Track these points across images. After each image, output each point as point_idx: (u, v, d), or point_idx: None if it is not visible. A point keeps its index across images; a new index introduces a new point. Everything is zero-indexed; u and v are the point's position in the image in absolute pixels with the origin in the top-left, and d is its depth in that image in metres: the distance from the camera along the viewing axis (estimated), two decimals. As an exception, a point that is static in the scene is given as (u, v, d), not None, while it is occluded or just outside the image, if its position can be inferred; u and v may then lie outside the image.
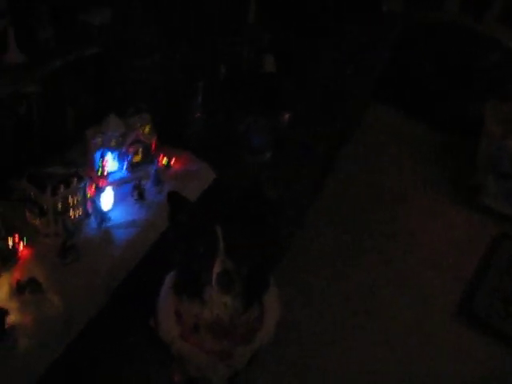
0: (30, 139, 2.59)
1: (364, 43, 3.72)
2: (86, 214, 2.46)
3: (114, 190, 2.54)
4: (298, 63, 3.25)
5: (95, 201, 2.45)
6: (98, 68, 2.66)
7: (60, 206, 2.34)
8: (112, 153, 2.60)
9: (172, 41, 2.72)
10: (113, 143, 2.58)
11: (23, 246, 2.29)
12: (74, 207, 2.39)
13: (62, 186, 2.30)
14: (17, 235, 2.27)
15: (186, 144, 2.85)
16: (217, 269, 1.80)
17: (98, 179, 2.61)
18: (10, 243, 2.24)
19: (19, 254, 2.27)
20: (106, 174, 2.62)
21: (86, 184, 2.40)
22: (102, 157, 2.59)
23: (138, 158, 2.70)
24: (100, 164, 2.60)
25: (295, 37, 3.28)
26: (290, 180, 2.98)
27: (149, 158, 2.72)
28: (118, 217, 2.51)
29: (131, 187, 2.59)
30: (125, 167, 2.66)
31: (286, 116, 2.98)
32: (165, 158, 2.77)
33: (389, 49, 4.33)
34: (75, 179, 2.34)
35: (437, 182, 4.13)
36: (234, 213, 1.94)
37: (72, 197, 2.36)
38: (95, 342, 2.27)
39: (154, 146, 2.73)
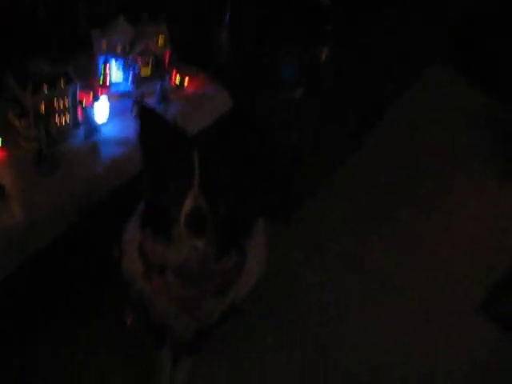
0: (34, 32, 2.29)
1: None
2: (75, 123, 2.19)
3: (112, 101, 2.25)
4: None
5: (87, 110, 2.16)
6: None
7: (43, 108, 2.06)
8: (116, 60, 2.30)
9: None
10: (118, 49, 2.27)
11: (-1, 146, 2.04)
12: (61, 112, 2.11)
13: (45, 86, 2.00)
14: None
15: (205, 65, 2.50)
16: (188, 206, 1.50)
17: (98, 88, 2.31)
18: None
19: (-13, 157, 2.02)
20: (107, 83, 2.32)
21: (76, 88, 2.10)
22: (106, 63, 2.29)
23: (146, 71, 2.39)
24: (102, 71, 2.30)
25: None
26: (319, 125, 2.61)
27: (159, 72, 2.40)
28: (111, 132, 2.23)
29: (132, 102, 2.28)
30: (130, 79, 2.35)
31: (325, 52, 2.58)
32: (178, 76, 2.44)
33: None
34: (62, 80, 2.04)
35: (485, 159, 3.66)
36: (216, 141, 1.62)
37: (58, 100, 2.08)
38: (54, 264, 2.02)
39: (167, 60, 2.41)
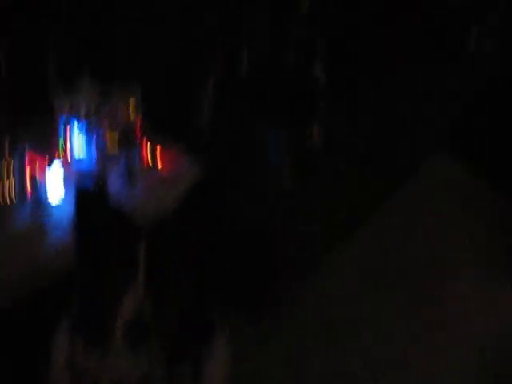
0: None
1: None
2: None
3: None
4: (355, 77, 2.56)
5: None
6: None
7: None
8: (79, 123, 2.00)
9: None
10: (82, 111, 1.97)
11: None
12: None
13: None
14: None
15: (180, 139, 2.21)
16: (128, 309, 1.16)
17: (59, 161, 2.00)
18: None
19: None
20: (68, 158, 2.01)
21: (24, 155, 1.79)
22: (67, 126, 1.99)
23: (113, 143, 2.08)
24: (62, 135, 2.00)
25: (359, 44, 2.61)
26: (307, 215, 2.30)
27: (127, 150, 2.10)
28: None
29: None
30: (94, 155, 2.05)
31: (318, 133, 2.30)
32: (149, 151, 2.14)
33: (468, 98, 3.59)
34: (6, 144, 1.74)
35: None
36: (170, 227, 1.29)
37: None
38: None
39: (137, 129, 2.11)
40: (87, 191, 1.30)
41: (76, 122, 2.00)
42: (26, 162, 1.83)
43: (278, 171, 2.35)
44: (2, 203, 1.81)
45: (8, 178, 1.79)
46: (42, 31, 2.03)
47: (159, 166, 2.14)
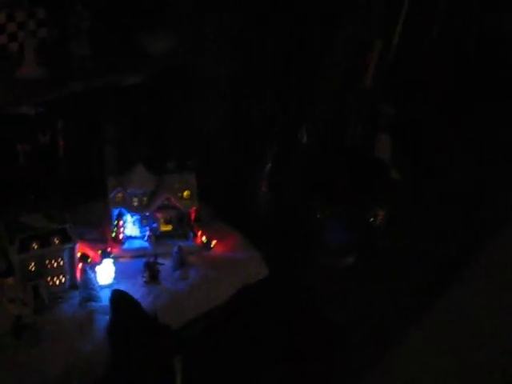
0: (51, 174, 2.10)
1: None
2: (72, 285, 1.87)
3: (123, 260, 1.96)
4: (422, 154, 2.45)
5: (87, 271, 1.85)
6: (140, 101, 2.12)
7: (33, 268, 1.77)
8: (132, 215, 2.01)
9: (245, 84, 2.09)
10: (135, 203, 1.99)
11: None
12: (55, 273, 1.82)
13: (35, 243, 1.73)
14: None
15: (238, 223, 2.17)
16: None
17: (110, 242, 2.03)
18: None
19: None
20: (121, 237, 2.03)
21: (74, 247, 1.82)
22: (120, 217, 2.01)
23: (167, 228, 2.08)
24: (116, 225, 2.02)
25: (425, 117, 2.51)
26: (370, 303, 2.17)
27: (182, 229, 2.09)
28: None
29: (143, 263, 1.96)
30: (146, 236, 2.05)
31: (381, 215, 2.19)
32: (204, 236, 2.11)
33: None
34: (56, 238, 1.76)
35: None
36: (207, 340, 1.24)
37: (51, 260, 1.79)
38: None
39: (192, 216, 2.09)
40: (122, 298, 1.26)
41: (129, 215, 2.01)
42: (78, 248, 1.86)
43: (340, 250, 2.26)
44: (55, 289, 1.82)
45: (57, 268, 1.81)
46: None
47: (214, 251, 2.11)
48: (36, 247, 1.74)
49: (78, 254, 1.95)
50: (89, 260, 1.96)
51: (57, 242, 1.77)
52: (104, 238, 2.05)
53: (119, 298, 1.24)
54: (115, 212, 2.00)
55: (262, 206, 2.24)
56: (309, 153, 2.15)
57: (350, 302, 2.14)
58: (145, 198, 1.99)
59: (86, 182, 2.15)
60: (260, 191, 2.21)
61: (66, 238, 1.79)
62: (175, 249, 1.98)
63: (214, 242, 2.12)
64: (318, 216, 2.15)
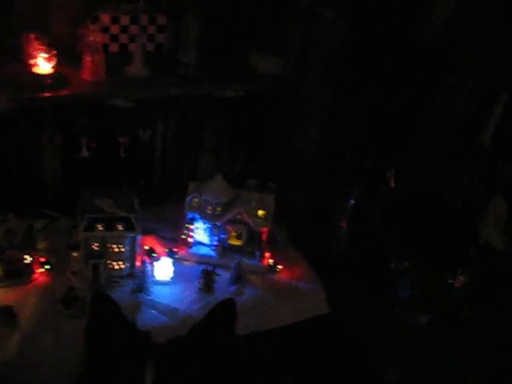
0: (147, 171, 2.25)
1: None
2: (129, 273, 1.96)
3: (187, 263, 2.02)
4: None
5: (146, 264, 1.94)
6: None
7: (97, 248, 1.89)
8: (204, 223, 2.07)
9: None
10: (208, 211, 2.04)
11: (43, 270, 1.91)
12: (115, 257, 1.92)
13: (100, 225, 1.86)
14: (41, 258, 1.92)
15: (311, 253, 2.13)
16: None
17: (179, 244, 2.10)
18: (28, 260, 1.89)
19: (32, 277, 1.90)
20: (190, 242, 2.09)
21: (135, 237, 1.91)
22: (192, 222, 2.07)
23: (235, 242, 2.10)
24: (187, 228, 2.09)
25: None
26: (431, 368, 1.98)
27: (250, 248, 2.10)
28: (166, 296, 1.94)
29: (201, 271, 2.00)
30: (214, 246, 2.09)
31: (463, 279, 2.00)
32: (271, 259, 2.10)
33: None
34: (120, 225, 1.87)
35: None
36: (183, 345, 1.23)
37: (114, 244, 1.90)
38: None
39: (264, 236, 2.09)
40: (102, 298, 1.29)
41: (201, 221, 2.07)
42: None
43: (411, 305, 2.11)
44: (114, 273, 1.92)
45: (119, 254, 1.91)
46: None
47: (278, 275, 2.09)
48: (100, 229, 1.85)
49: (146, 247, 2.06)
50: (154, 255, 2.04)
51: (120, 228, 1.87)
52: (175, 239, 2.12)
53: (100, 299, 1.27)
54: (189, 216, 2.07)
55: (338, 242, 2.17)
56: (395, 198, 2.05)
57: (408, 363, 1.98)
58: (219, 208, 2.03)
59: (176, 184, 2.25)
60: (339, 226, 2.14)
61: (130, 227, 1.89)
62: (233, 263, 1.99)
63: (279, 267, 2.09)
64: (393, 265, 2.03)
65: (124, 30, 2.04)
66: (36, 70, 1.87)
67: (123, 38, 2.05)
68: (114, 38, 2.04)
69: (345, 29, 1.91)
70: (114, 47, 2.05)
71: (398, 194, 2.05)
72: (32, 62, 1.86)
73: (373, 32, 1.91)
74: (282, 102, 2.19)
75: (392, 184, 2.03)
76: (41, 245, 2.01)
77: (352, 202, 2.09)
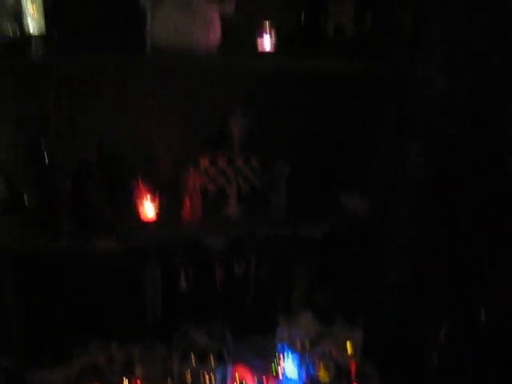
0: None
1: None
2: (220, 405, 2.02)
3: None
4: None
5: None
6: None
7: (189, 378, 1.98)
8: (293, 356, 2.11)
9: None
10: (297, 345, 2.09)
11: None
12: (207, 387, 2.00)
13: (192, 357, 1.95)
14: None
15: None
16: None
17: (269, 376, 2.14)
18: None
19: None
20: (279, 374, 2.13)
21: (227, 369, 1.98)
22: (282, 353, 2.12)
23: (324, 377, 2.12)
24: (276, 359, 2.13)
25: None
26: None
27: (339, 383, 2.10)
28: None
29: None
30: (303, 381, 2.11)
31: None
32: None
33: None
34: (212, 356, 1.96)
35: None
36: None
37: (206, 374, 1.98)
38: None
39: (353, 371, 2.10)
40: None
41: (291, 353, 2.11)
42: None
43: None
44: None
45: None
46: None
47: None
48: (193, 360, 1.95)
49: (237, 378, 2.12)
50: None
51: (212, 360, 1.95)
52: (266, 370, 2.16)
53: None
54: (279, 348, 2.12)
55: (429, 378, 2.12)
56: (488, 336, 1.99)
57: None
58: (307, 343, 2.07)
59: (267, 315, 2.33)
60: (430, 360, 2.10)
61: (222, 359, 1.97)
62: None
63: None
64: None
65: (221, 172, 2.22)
66: (142, 211, 2.06)
67: (220, 180, 2.23)
68: (212, 180, 2.22)
69: (430, 173, 2.00)
70: (211, 188, 2.22)
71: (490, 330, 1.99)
72: (138, 204, 2.06)
73: (457, 175, 1.98)
74: (368, 237, 2.26)
75: (483, 320, 1.99)
76: (138, 371, 2.11)
77: (443, 333, 2.06)
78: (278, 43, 1.93)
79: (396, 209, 2.17)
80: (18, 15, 1.81)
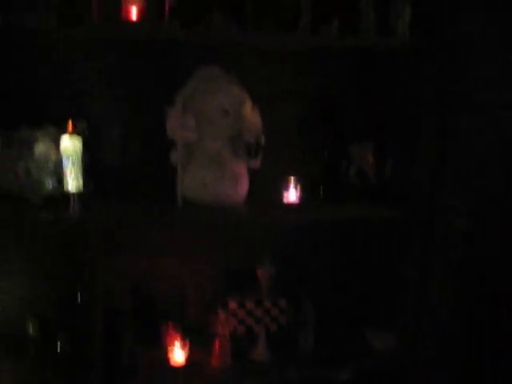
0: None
1: None
2: None
3: None
4: None
5: None
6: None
7: None
8: None
9: None
10: None
11: None
12: None
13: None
14: None
15: None
16: None
17: None
18: None
19: None
20: None
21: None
22: None
23: None
24: None
25: None
26: None
27: None
28: None
29: None
30: None
31: None
32: None
33: None
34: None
35: None
36: None
37: None
38: None
39: None
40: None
41: None
42: None
43: None
44: None
45: None
46: None
47: None
48: None
49: None
50: None
51: None
52: None
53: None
54: None
55: None
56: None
57: None
58: None
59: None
60: None
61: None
62: None
63: None
64: None
65: (249, 313, 2.26)
66: (171, 356, 2.09)
67: (249, 321, 2.26)
68: (241, 322, 2.25)
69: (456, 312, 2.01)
70: (240, 330, 2.25)
71: None
72: (169, 349, 2.09)
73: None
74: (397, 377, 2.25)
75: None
76: None
77: None
78: (303, 192, 2.03)
79: (423, 347, 2.17)
80: (59, 174, 1.95)
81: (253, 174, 2.02)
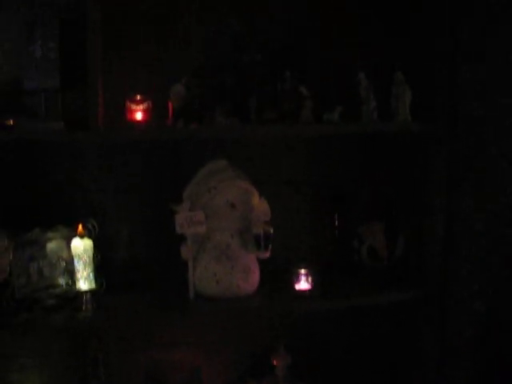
0: None
1: None
2: None
3: None
4: None
5: None
6: None
7: None
8: None
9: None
10: None
11: None
12: None
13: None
14: None
15: None
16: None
17: None
18: None
19: None
20: None
21: None
22: None
23: None
24: None
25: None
26: None
27: None
28: None
29: None
30: None
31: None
32: None
33: None
34: None
35: None
36: None
37: None
38: None
39: None
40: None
41: None
42: None
43: None
44: None
45: None
46: None
47: None
48: None
49: None
50: None
51: None
52: None
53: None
54: None
55: None
56: None
57: None
58: None
59: None
60: None
61: None
62: None
63: None
64: None
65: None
66: None
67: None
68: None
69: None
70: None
71: None
72: None
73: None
74: None
75: None
76: None
77: None
78: (316, 277, 2.02)
79: None
80: (71, 272, 1.97)
81: (264, 262, 2.02)
